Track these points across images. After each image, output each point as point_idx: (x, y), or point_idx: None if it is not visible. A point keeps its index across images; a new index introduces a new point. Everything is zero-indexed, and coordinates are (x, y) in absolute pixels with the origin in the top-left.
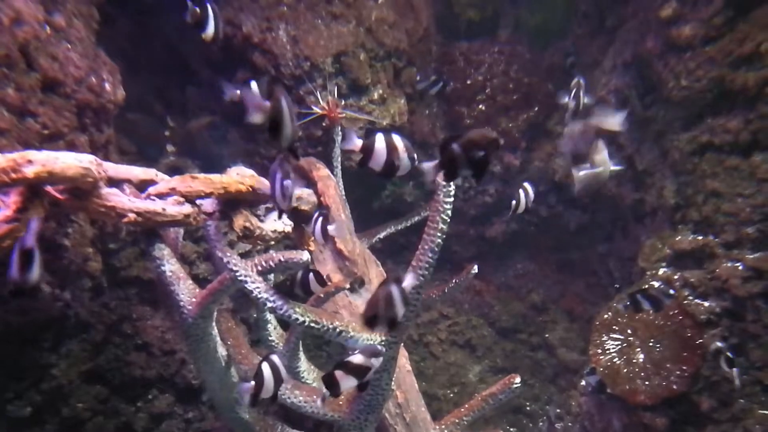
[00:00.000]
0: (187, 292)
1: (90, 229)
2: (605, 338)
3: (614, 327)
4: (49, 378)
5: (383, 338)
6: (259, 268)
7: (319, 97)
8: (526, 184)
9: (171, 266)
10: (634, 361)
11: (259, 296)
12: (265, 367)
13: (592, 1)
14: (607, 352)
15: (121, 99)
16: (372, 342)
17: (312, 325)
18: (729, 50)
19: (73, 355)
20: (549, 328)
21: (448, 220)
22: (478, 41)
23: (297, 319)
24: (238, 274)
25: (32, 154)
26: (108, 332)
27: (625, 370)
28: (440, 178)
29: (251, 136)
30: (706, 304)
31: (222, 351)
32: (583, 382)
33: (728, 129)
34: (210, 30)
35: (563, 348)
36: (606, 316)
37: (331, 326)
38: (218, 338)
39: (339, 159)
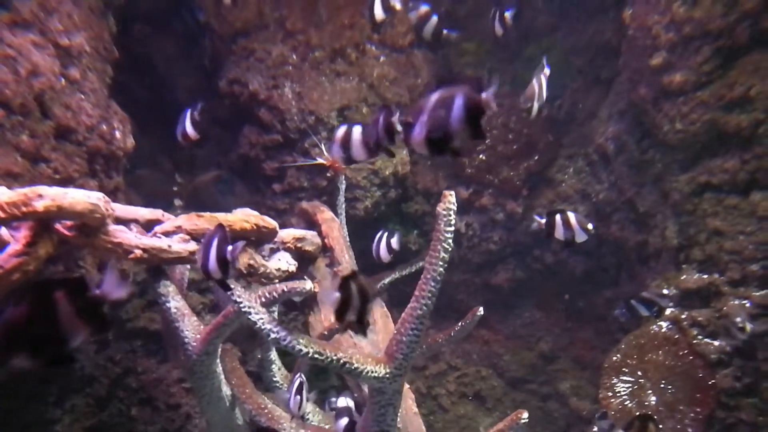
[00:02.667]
0: (191, 329)
1: (98, 275)
2: (615, 381)
3: (624, 369)
4: None
5: (387, 370)
6: (263, 299)
7: (324, 149)
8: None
9: (176, 302)
10: (646, 403)
11: (262, 328)
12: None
13: (586, 57)
14: (618, 395)
15: (131, 147)
16: (376, 374)
17: (316, 356)
18: (720, 95)
19: (77, 410)
20: (559, 377)
21: (450, 249)
22: None
23: (300, 350)
24: (242, 305)
25: (43, 189)
26: (112, 386)
27: (637, 413)
28: (440, 207)
29: (257, 189)
30: (716, 343)
31: (226, 390)
32: (595, 428)
33: (726, 169)
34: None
35: (574, 397)
36: (615, 358)
37: (334, 357)
38: (223, 377)
39: (343, 207)
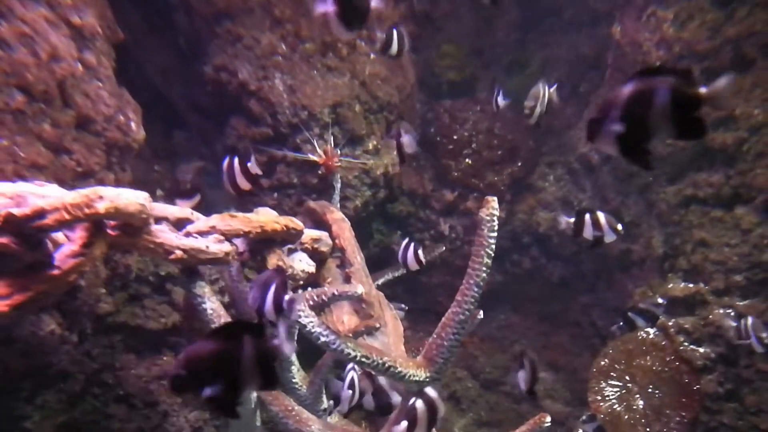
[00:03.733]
0: None
1: (103, 270)
2: (604, 385)
3: (612, 373)
4: (21, 431)
5: (427, 374)
6: (311, 302)
7: (316, 145)
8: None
9: (212, 304)
10: (634, 407)
11: (312, 330)
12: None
13: (563, 69)
14: (607, 398)
15: (143, 139)
16: (417, 378)
17: (363, 360)
18: (707, 112)
19: (48, 406)
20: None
21: (493, 255)
22: (461, 100)
23: (349, 353)
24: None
25: (102, 189)
26: (87, 382)
27: (626, 417)
28: (483, 213)
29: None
30: (701, 350)
31: (253, 393)
32: (580, 431)
33: (711, 183)
34: None
35: (548, 399)
36: (603, 362)
37: (380, 361)
38: None
39: (338, 206)
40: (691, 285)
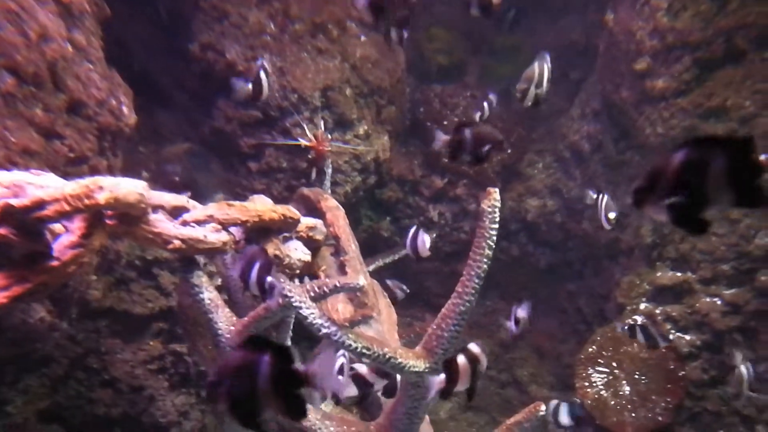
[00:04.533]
0: (224, 320)
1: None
2: (591, 371)
3: (599, 360)
4: (2, 415)
5: (427, 365)
6: (312, 294)
7: (306, 129)
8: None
9: (209, 294)
10: (621, 393)
11: (313, 322)
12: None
13: (553, 56)
14: (594, 384)
15: (134, 123)
16: (417, 369)
17: (364, 351)
18: (699, 103)
19: (30, 391)
20: (518, 365)
21: (494, 246)
22: (451, 85)
23: (350, 345)
24: (293, 299)
25: (101, 180)
26: (71, 367)
27: (612, 402)
28: (485, 204)
29: (231, 166)
30: (687, 337)
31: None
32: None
33: None
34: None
35: (533, 385)
36: (591, 349)
37: (381, 352)
38: None
39: (329, 191)
40: (678, 274)
